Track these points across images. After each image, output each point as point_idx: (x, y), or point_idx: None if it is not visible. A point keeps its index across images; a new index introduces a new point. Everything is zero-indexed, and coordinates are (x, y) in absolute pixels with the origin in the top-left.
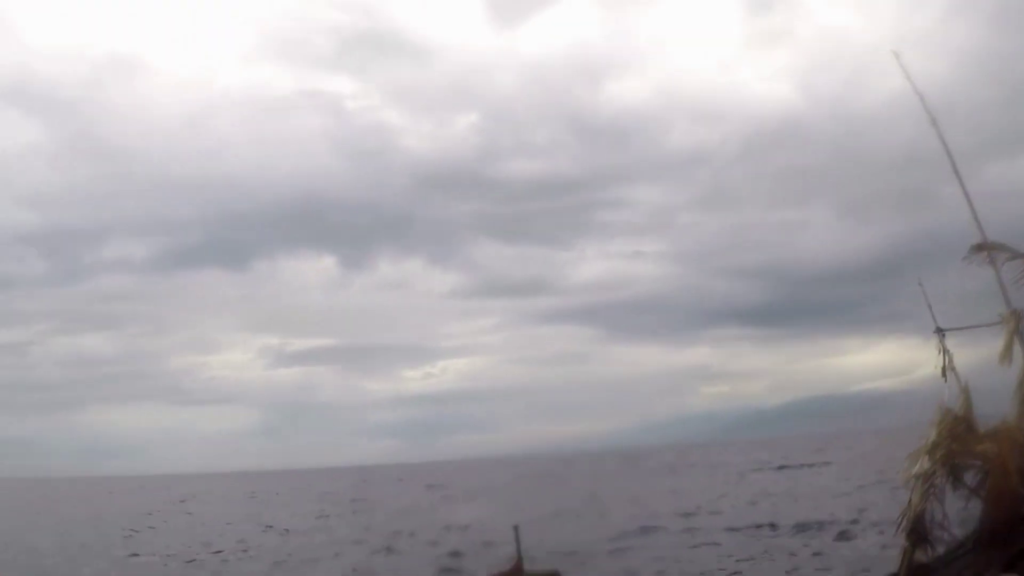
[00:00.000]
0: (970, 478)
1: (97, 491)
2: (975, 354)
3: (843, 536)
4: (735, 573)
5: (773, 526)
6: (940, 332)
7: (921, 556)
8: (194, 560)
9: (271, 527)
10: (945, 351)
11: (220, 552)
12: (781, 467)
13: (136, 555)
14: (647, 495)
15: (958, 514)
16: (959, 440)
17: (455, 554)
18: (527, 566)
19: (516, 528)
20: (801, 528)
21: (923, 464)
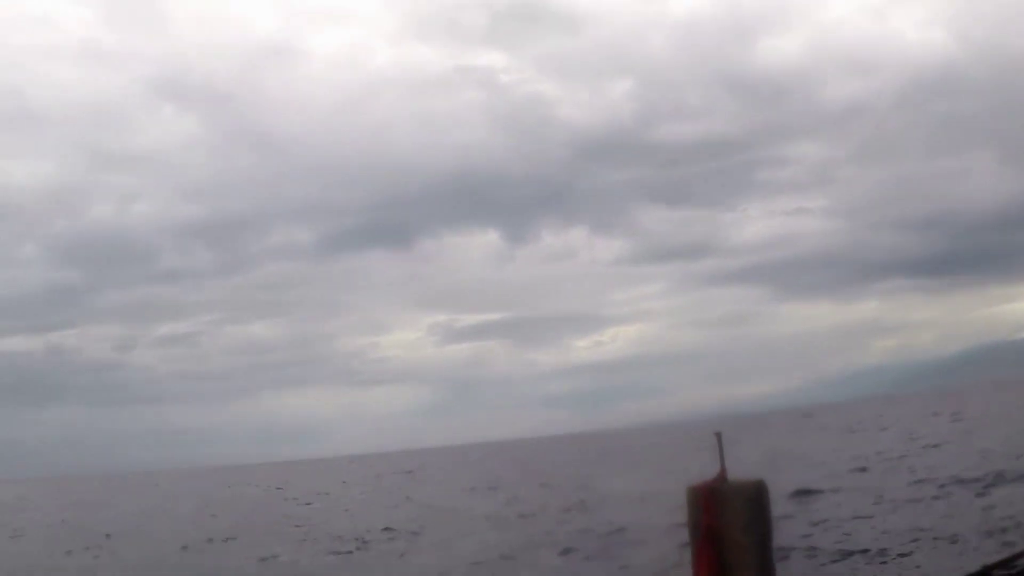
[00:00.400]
0: None
1: (263, 476)
2: None
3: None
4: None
5: (943, 482)
6: None
7: None
8: (365, 540)
9: (434, 505)
10: None
11: (389, 530)
12: (955, 419)
13: (285, 540)
14: (819, 452)
15: None
16: None
17: (620, 529)
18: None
19: (719, 436)
20: (977, 481)
21: None
